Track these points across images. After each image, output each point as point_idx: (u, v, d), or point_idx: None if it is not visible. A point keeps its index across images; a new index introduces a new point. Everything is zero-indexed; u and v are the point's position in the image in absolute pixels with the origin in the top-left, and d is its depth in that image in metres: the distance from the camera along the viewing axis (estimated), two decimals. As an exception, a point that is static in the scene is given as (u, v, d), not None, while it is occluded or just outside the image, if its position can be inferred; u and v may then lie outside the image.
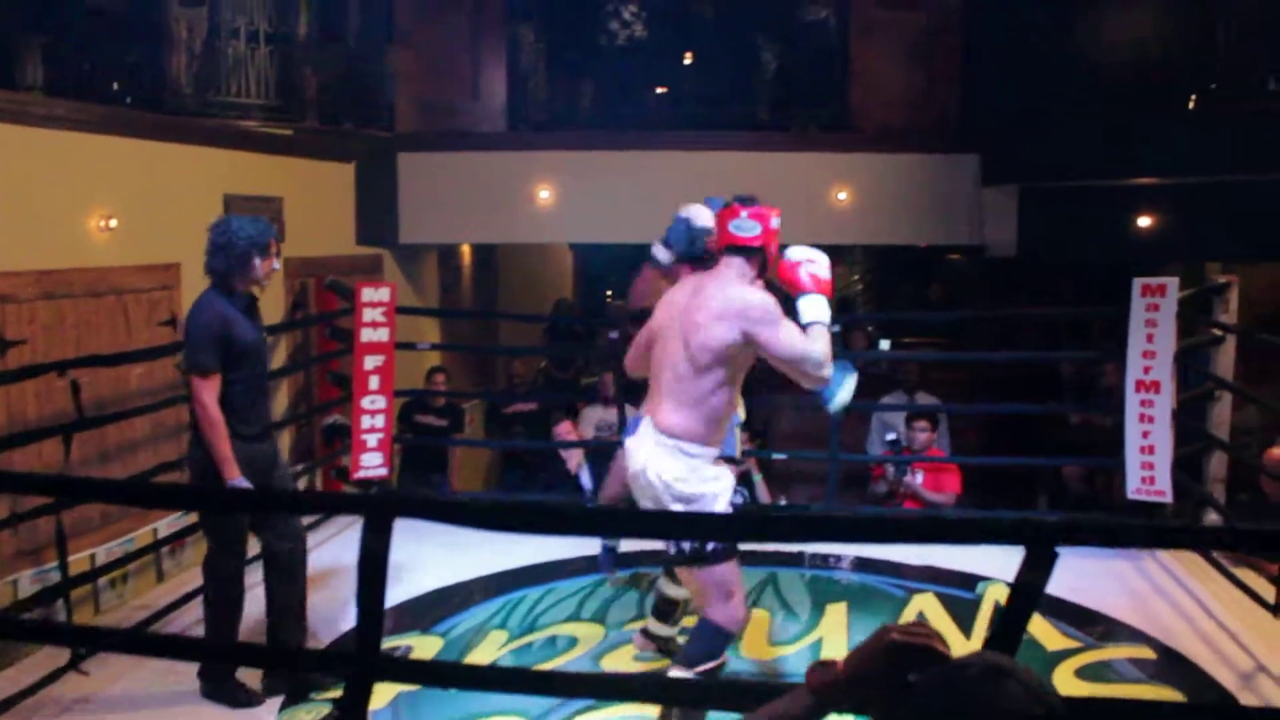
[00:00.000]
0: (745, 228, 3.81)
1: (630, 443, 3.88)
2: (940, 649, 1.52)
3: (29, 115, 5.58)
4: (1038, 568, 1.83)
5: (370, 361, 6.68)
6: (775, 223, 3.86)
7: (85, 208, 5.93)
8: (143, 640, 3.46)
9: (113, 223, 6.00)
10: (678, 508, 3.71)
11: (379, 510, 2.00)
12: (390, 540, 2.04)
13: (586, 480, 7.24)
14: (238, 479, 4.25)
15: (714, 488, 3.78)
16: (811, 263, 3.73)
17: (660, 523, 2.92)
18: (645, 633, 4.73)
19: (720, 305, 3.67)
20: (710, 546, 3.70)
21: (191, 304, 4.44)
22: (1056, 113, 8.22)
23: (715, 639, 3.79)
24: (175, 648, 2.80)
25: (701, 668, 3.71)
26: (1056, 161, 8.35)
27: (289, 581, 4.57)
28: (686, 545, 3.73)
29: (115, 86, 7.24)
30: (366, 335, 6.64)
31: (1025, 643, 4.80)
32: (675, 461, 3.72)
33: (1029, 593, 1.84)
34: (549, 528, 2.77)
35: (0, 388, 5.05)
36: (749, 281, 3.79)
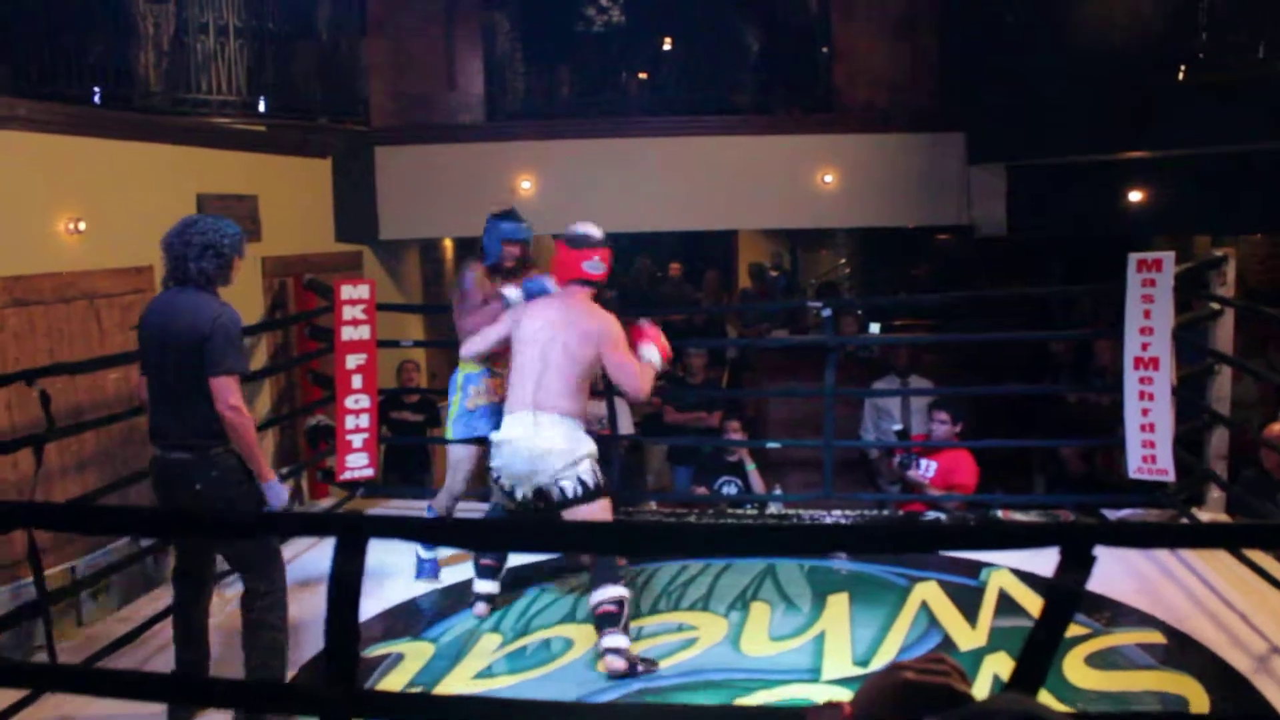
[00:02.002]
0: (598, 269, 4.91)
1: (516, 430, 4.73)
2: (959, 688, 1.37)
3: (-10, 117, 5.42)
4: (1075, 570, 1.68)
5: (352, 360, 6.52)
6: None
7: (52, 211, 5.77)
8: (102, 678, 3.25)
9: (82, 225, 5.84)
10: (564, 460, 4.69)
11: (351, 532, 1.84)
12: (364, 563, 1.88)
13: None
14: (274, 480, 4.16)
15: (588, 445, 4.80)
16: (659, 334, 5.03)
17: (650, 536, 2.76)
18: (479, 596, 5.21)
19: (593, 326, 4.78)
20: (594, 486, 4.71)
21: (193, 304, 4.06)
22: (1043, 88, 8.10)
23: (613, 564, 4.77)
24: (134, 685, 2.60)
25: (620, 592, 4.66)
26: (1044, 138, 8.24)
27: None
28: (571, 490, 4.68)
29: (81, 85, 7.05)
30: (347, 334, 6.48)
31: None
32: (561, 430, 4.71)
33: (1067, 598, 1.69)
34: (525, 545, 2.63)
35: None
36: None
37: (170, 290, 4.17)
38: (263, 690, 3.30)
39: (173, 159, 6.75)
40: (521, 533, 2.57)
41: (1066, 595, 1.68)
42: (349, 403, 6.51)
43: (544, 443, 4.69)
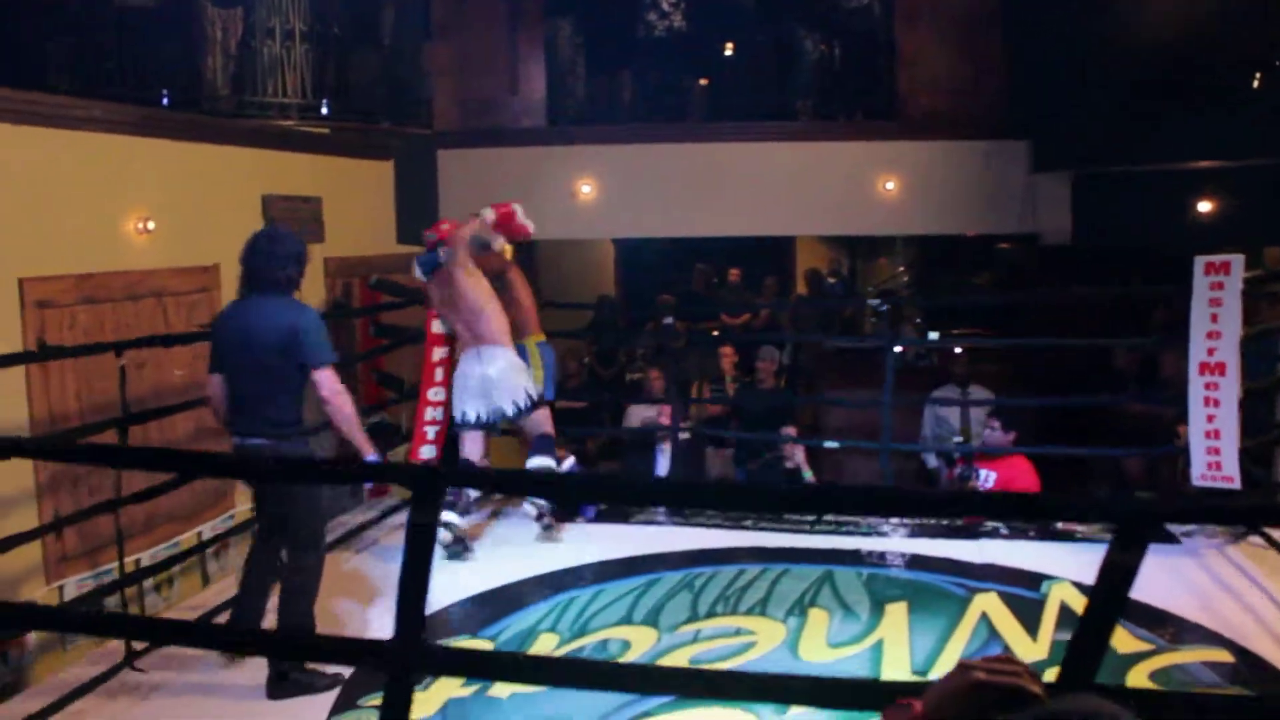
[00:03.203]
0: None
1: (469, 366, 5.86)
2: (1032, 689, 1.35)
3: (64, 118, 5.54)
4: (1128, 549, 1.64)
5: (437, 353, 6.49)
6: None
7: (123, 210, 5.88)
8: (191, 630, 3.36)
9: (151, 225, 5.95)
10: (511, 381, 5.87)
11: (426, 482, 1.86)
12: (438, 515, 1.91)
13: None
14: (373, 455, 4.59)
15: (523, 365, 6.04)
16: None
17: (734, 495, 2.74)
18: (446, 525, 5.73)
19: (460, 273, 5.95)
20: (537, 398, 5.92)
21: (279, 308, 4.36)
22: (1111, 96, 7.97)
23: (551, 443, 5.95)
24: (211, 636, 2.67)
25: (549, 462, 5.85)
26: (1111, 146, 8.11)
27: None
28: (524, 404, 5.83)
29: (150, 88, 7.19)
30: (436, 327, 6.45)
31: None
32: (503, 358, 5.86)
33: (1119, 577, 1.65)
34: (589, 496, 2.65)
35: (42, 386, 5.03)
36: None
37: (250, 298, 4.40)
38: (331, 643, 3.39)
39: (239, 160, 6.86)
40: (598, 485, 2.59)
41: (1120, 572, 1.64)
42: (430, 395, 6.47)
43: (491, 370, 5.79)
